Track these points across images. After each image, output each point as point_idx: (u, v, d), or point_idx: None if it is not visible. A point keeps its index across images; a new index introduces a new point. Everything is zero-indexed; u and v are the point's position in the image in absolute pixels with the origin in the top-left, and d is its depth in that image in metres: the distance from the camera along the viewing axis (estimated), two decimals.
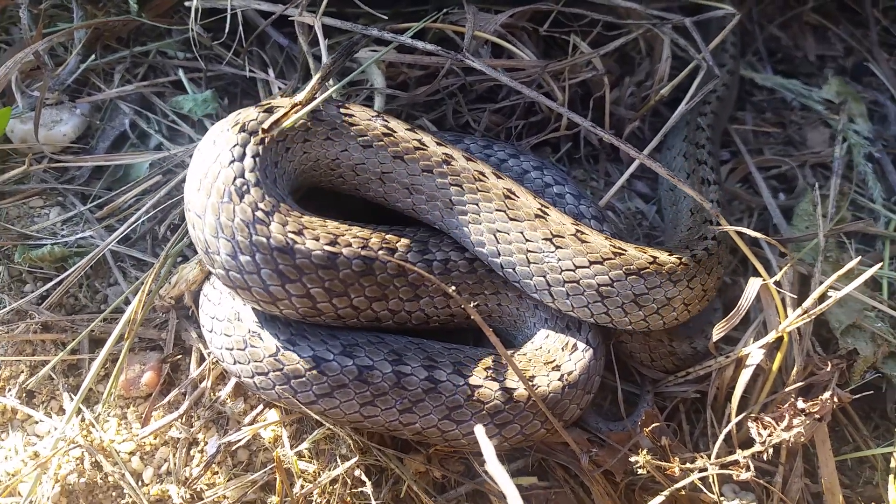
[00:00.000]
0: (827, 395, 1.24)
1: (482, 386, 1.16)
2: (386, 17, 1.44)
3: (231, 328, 1.17)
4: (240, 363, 1.16)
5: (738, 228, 1.16)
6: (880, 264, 1.12)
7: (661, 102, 1.60)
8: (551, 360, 1.23)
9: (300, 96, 1.13)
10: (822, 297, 1.36)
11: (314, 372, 1.13)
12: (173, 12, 1.53)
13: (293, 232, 1.09)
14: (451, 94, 1.53)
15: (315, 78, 1.14)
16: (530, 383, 1.17)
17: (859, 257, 1.26)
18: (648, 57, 1.62)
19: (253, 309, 1.17)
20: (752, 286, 1.15)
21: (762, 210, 1.59)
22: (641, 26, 1.50)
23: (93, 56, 1.51)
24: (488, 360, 1.20)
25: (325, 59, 1.23)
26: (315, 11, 1.40)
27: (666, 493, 1.19)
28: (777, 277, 1.17)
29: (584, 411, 1.26)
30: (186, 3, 1.38)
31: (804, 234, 1.42)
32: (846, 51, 2.00)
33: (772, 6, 2.05)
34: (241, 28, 1.43)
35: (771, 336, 1.18)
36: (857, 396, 1.34)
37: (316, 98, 1.14)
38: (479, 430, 0.87)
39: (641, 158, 1.18)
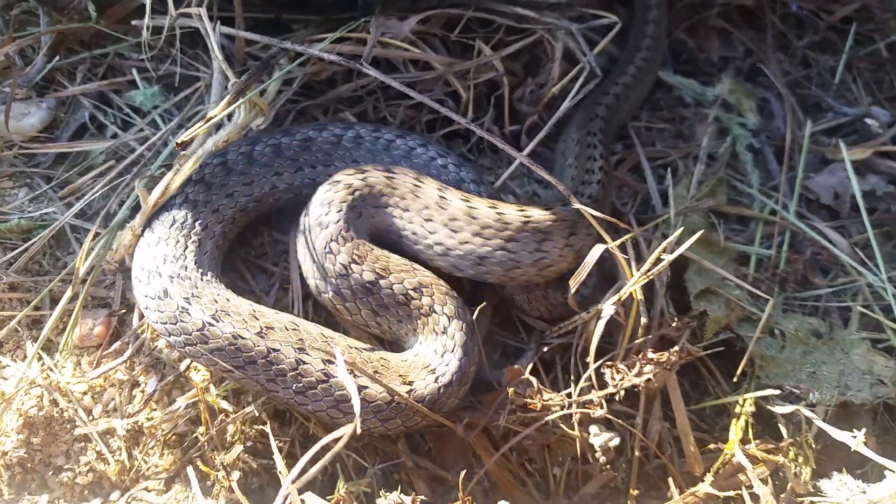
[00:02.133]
0: (676, 348, 1.47)
1: (368, 387, 1.33)
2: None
3: (162, 305, 1.37)
4: (173, 335, 1.37)
5: (586, 209, 1.38)
6: (701, 232, 1.33)
7: (561, 99, 1.82)
8: (427, 364, 1.42)
9: (215, 111, 1.35)
10: (683, 265, 1.60)
11: (232, 347, 1.33)
12: (128, 19, 1.75)
13: None
14: (370, 91, 1.75)
15: (227, 97, 1.36)
16: (410, 387, 1.36)
17: (702, 231, 1.47)
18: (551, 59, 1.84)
19: (178, 285, 1.38)
20: (596, 250, 1.37)
21: (646, 195, 1.81)
22: (537, 32, 1.72)
23: (57, 57, 1.74)
24: (378, 364, 1.39)
25: (227, 72, 1.44)
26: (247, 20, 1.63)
27: (533, 428, 1.41)
28: (618, 242, 1.39)
29: (462, 400, 1.44)
30: (134, 23, 1.60)
31: (659, 214, 1.64)
32: (746, 52, 2.22)
33: (682, 11, 2.26)
34: (178, 34, 1.65)
35: (619, 293, 1.41)
36: (709, 352, 1.56)
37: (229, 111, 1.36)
38: (337, 351, 1.08)
39: (521, 158, 1.39)
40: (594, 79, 1.67)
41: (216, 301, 1.37)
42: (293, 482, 1.01)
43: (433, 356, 1.42)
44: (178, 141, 1.31)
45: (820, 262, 1.76)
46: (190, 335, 1.34)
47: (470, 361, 1.43)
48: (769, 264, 1.72)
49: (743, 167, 1.91)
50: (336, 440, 0.98)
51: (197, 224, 1.46)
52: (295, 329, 1.37)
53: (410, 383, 1.36)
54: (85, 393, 1.45)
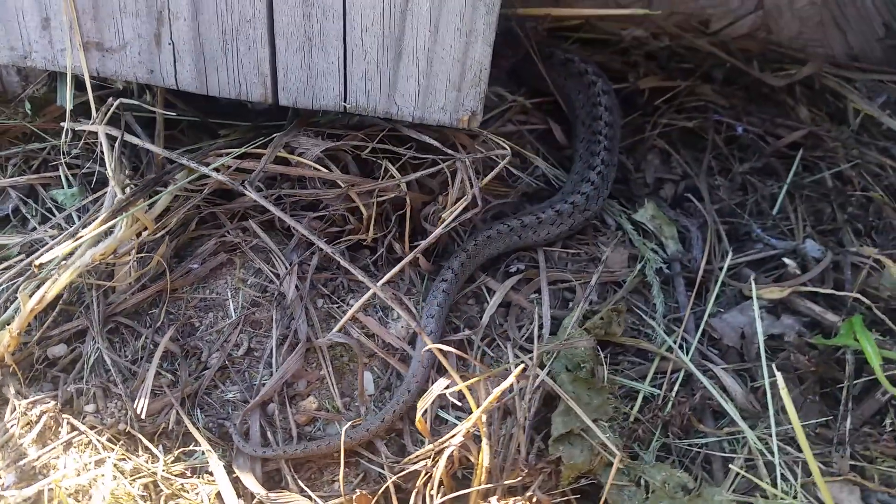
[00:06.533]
0: (528, 494, 1.45)
1: None
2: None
3: None
4: None
5: (436, 346, 1.39)
6: (521, 367, 1.31)
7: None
8: None
9: (87, 230, 1.43)
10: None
11: None
12: (63, 119, 1.87)
13: None
14: (279, 198, 1.81)
15: (102, 215, 1.45)
16: None
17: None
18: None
19: None
20: (439, 384, 1.38)
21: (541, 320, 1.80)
22: (437, 162, 1.77)
23: None
24: None
25: (116, 188, 1.52)
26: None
27: None
28: (466, 384, 1.39)
29: None
30: (61, 125, 1.70)
31: (544, 345, 1.64)
32: (682, 175, 2.20)
33: (624, 132, 2.28)
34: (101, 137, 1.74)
35: (465, 425, 1.40)
36: (564, 499, 1.53)
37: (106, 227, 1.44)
38: None
39: (375, 289, 1.42)
40: (474, 208, 1.70)
41: None
42: None
43: None
44: (37, 263, 1.40)
45: (712, 406, 1.71)
46: None
47: None
48: (654, 405, 1.68)
49: (653, 296, 1.88)
50: None
51: None
52: None
53: None
54: None
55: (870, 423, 1.72)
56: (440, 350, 1.41)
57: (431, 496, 1.45)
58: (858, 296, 1.85)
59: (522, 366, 1.37)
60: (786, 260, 1.92)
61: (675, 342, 1.78)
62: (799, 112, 2.37)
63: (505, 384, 1.35)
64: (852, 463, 1.63)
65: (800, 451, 1.61)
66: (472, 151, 1.87)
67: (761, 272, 1.97)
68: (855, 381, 1.75)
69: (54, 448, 1.50)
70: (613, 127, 2.11)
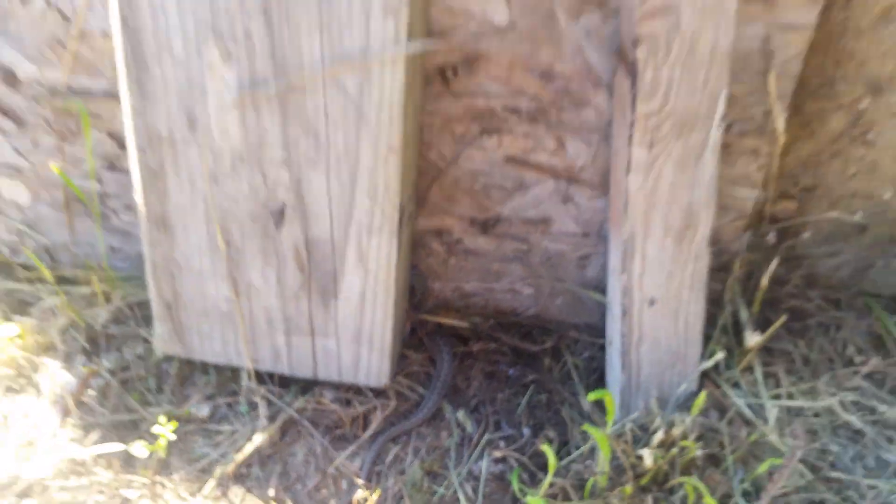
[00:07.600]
0: None
1: None
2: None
3: None
4: None
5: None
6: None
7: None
8: None
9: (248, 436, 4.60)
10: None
11: None
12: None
13: None
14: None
15: (259, 428, 4.61)
16: None
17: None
18: None
19: None
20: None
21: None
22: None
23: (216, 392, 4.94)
24: None
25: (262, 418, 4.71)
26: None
27: None
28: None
29: None
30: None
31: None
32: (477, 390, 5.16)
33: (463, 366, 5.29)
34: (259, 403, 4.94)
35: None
36: None
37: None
38: None
39: (339, 459, 4.57)
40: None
41: None
42: None
43: None
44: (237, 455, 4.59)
45: None
46: None
47: None
48: None
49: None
50: None
51: None
52: None
53: None
54: None
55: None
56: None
57: None
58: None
59: None
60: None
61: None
62: (544, 363, 5.24)
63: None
64: None
65: None
66: (390, 397, 4.95)
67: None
68: None
69: None
70: (451, 356, 5.04)
